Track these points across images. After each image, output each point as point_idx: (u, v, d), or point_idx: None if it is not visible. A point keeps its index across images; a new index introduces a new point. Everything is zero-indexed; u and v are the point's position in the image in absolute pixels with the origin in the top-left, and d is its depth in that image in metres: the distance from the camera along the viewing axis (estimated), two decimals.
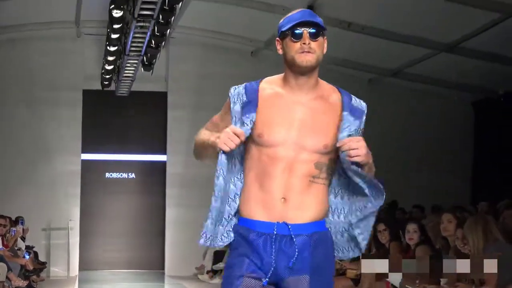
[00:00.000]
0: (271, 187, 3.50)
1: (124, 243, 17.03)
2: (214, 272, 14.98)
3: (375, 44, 13.93)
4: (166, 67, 16.72)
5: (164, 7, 11.14)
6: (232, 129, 3.45)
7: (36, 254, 14.83)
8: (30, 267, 13.05)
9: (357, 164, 3.44)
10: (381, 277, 8.29)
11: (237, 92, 3.60)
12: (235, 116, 3.55)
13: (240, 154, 3.60)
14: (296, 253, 3.48)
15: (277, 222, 3.49)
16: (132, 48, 13.22)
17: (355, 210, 3.57)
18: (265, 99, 3.57)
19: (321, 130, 3.51)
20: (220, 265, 14.66)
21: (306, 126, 3.51)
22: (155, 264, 17.01)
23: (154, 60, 14.09)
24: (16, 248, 13.25)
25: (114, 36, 12.89)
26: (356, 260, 8.71)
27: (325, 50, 3.56)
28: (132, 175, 17.29)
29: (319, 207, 3.55)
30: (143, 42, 12.84)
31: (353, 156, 3.41)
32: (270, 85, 3.61)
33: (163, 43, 13.17)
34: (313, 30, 3.49)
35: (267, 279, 3.49)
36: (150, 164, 17.31)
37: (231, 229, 3.58)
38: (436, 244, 8.57)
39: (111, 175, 17.22)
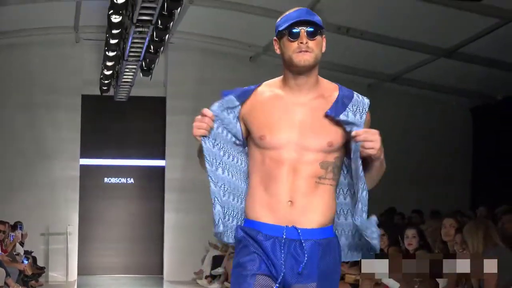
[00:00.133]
0: (277, 190, 3.44)
1: (123, 248, 17.02)
2: (212, 277, 14.97)
3: (374, 49, 13.95)
4: (164, 72, 16.73)
5: (163, 12, 11.15)
6: (200, 113, 3.49)
7: (34, 259, 14.83)
8: (29, 272, 13.05)
9: (363, 162, 3.37)
10: (380, 282, 8.29)
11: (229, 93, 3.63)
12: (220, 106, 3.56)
13: (246, 154, 3.58)
14: (306, 259, 3.41)
15: (286, 226, 3.43)
16: (131, 54, 13.23)
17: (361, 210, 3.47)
18: (264, 102, 3.53)
19: (324, 129, 3.45)
20: (219, 270, 14.66)
21: (307, 126, 3.45)
22: (153, 269, 17.00)
23: (152, 65, 14.11)
24: (14, 253, 13.25)
25: (113, 41, 12.90)
26: (355, 265, 8.72)
27: (324, 49, 3.50)
28: (131, 180, 17.28)
29: (327, 211, 3.49)
30: (141, 48, 12.85)
31: (367, 148, 3.32)
32: (269, 88, 3.57)
33: (161, 49, 13.18)
34: (311, 29, 3.44)
35: (277, 285, 3.42)
36: (148, 169, 17.31)
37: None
38: (435, 249, 8.58)
39: (109, 180, 17.22)
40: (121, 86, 15.60)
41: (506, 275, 6.35)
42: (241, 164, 3.59)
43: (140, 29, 11.87)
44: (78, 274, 16.44)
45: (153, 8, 11.03)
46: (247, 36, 15.32)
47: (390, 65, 15.13)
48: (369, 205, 3.51)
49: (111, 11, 11.47)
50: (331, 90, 3.55)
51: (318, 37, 3.45)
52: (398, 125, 16.18)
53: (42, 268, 15.18)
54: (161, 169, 16.99)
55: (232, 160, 3.57)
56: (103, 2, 12.68)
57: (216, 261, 15.00)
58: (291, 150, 3.44)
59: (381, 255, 9.30)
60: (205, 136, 3.50)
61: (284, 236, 3.42)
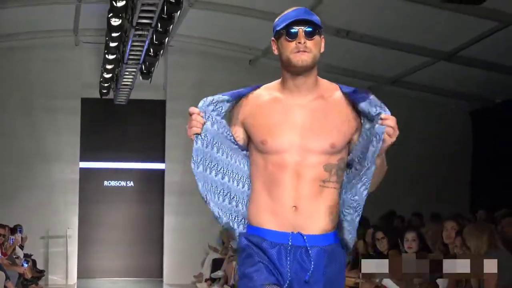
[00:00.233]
0: (281, 195, 3.37)
1: (123, 251, 17.02)
2: (212, 280, 14.97)
3: (374, 52, 13.95)
4: (164, 75, 16.74)
5: (163, 15, 11.16)
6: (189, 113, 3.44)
7: (34, 262, 14.83)
8: (28, 276, 13.06)
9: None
10: (379, 285, 8.28)
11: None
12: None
13: (247, 157, 3.53)
14: (312, 266, 3.35)
15: (292, 232, 3.36)
16: (131, 57, 13.24)
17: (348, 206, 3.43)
18: (263, 105, 3.48)
19: (325, 130, 3.39)
20: (219, 273, 14.65)
21: (308, 128, 3.39)
22: (153, 272, 16.99)
23: (152, 69, 14.11)
24: (14, 256, 13.26)
25: (112, 44, 12.90)
26: (355, 268, 8.71)
27: (322, 50, 3.44)
28: (131, 183, 17.28)
29: (331, 216, 3.41)
30: (141, 51, 12.86)
31: (390, 135, 3.33)
32: (268, 91, 3.51)
33: (161, 52, 13.18)
34: (309, 29, 3.38)
35: None
36: (148, 172, 17.31)
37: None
38: (435, 252, 8.58)
39: (109, 183, 17.21)
40: (120, 89, 15.60)
41: (506, 277, 6.36)
42: (240, 164, 3.53)
43: (140, 32, 11.88)
44: (78, 277, 16.43)
45: (153, 11, 11.03)
46: (246, 39, 15.32)
47: (390, 68, 15.13)
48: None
49: (111, 14, 11.47)
50: (331, 90, 3.50)
51: (316, 37, 3.40)
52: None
53: (42, 271, 15.18)
54: (161, 172, 16.99)
55: (231, 160, 3.51)
56: (103, 5, 12.69)
57: (216, 264, 15.00)
58: (293, 153, 3.37)
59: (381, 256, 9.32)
60: (198, 134, 3.45)
61: (290, 243, 3.35)
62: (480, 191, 15.58)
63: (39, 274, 14.70)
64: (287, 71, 3.44)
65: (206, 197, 3.50)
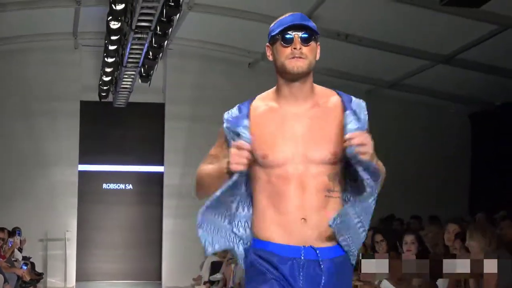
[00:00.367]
0: (287, 208, 3.27)
1: (121, 254, 17.01)
2: (211, 283, 14.96)
3: (373, 55, 13.96)
4: (163, 78, 16.75)
5: (162, 18, 11.16)
6: (234, 146, 3.21)
7: (33, 265, 14.80)
8: (27, 278, 13.04)
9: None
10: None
11: (230, 114, 3.42)
12: (229, 134, 3.36)
13: (245, 177, 3.38)
14: (323, 280, 3.27)
15: (303, 246, 3.27)
16: (130, 60, 13.24)
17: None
18: (260, 117, 3.37)
19: (326, 139, 3.31)
20: (218, 275, 14.64)
21: (309, 138, 3.30)
22: (152, 275, 16.99)
23: (151, 72, 14.11)
24: (13, 259, 13.24)
25: (111, 47, 12.91)
26: (354, 270, 8.69)
27: (318, 57, 3.36)
28: (130, 186, 17.28)
29: None
30: (140, 54, 12.86)
31: (362, 153, 3.15)
32: (263, 102, 3.41)
33: (160, 55, 13.18)
34: (305, 35, 3.29)
35: None
36: (147, 175, 17.32)
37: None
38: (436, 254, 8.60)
39: (108, 186, 17.22)
40: (120, 92, 15.61)
41: (506, 279, 6.36)
42: (240, 187, 3.40)
43: (139, 35, 11.88)
44: (77, 280, 16.43)
45: (152, 15, 11.04)
46: (246, 43, 15.33)
47: (389, 71, 15.15)
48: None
49: (110, 17, 11.48)
50: (326, 96, 3.42)
51: (312, 43, 3.31)
52: (396, 131, 16.20)
53: (41, 274, 15.16)
54: (160, 175, 16.99)
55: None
56: (102, 8, 12.70)
57: (215, 267, 14.98)
58: (296, 164, 3.28)
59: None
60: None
61: (303, 257, 3.26)
62: (479, 193, 15.60)
63: (37, 277, 14.68)
64: (282, 77, 3.36)
65: (201, 222, 3.37)
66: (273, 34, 3.35)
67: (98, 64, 15.49)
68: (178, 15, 11.26)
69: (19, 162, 16.16)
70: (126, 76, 14.30)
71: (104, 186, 17.18)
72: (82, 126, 16.62)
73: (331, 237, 3.30)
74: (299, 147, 3.30)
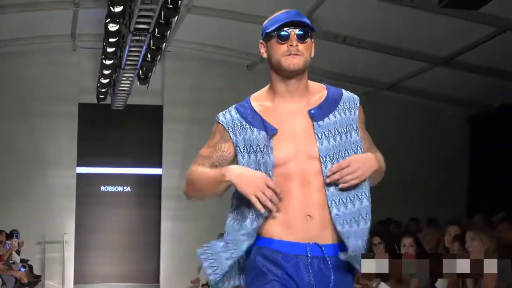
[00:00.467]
0: (292, 205, 3.23)
1: (119, 256, 17.00)
2: (209, 286, 14.95)
3: (371, 57, 13.96)
4: (161, 80, 16.75)
5: (160, 21, 11.16)
6: (264, 183, 3.17)
7: (31, 267, 14.78)
8: (25, 281, 13.02)
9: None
10: None
11: (229, 119, 3.37)
12: (239, 146, 3.32)
13: None
14: (332, 276, 3.23)
15: (308, 243, 3.23)
16: (128, 62, 13.24)
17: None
18: None
19: None
20: None
21: (308, 134, 3.28)
22: (150, 277, 16.98)
23: (149, 74, 14.11)
24: (11, 261, 13.22)
25: (110, 49, 12.90)
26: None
27: (312, 54, 3.32)
28: (128, 189, 17.27)
29: None
30: (139, 56, 12.86)
31: (351, 180, 3.20)
32: (258, 102, 3.39)
33: (158, 57, 13.19)
34: (301, 32, 3.27)
35: None
36: (145, 177, 17.31)
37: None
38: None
39: (106, 188, 17.20)
40: (118, 95, 15.61)
41: (505, 281, 6.36)
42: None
43: (137, 38, 11.88)
44: (75, 282, 16.41)
45: (150, 17, 11.03)
46: (244, 45, 15.33)
47: (387, 73, 15.15)
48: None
49: (108, 19, 11.48)
50: (319, 91, 3.41)
51: (308, 40, 3.29)
52: (394, 133, 16.18)
53: (38, 277, 15.14)
54: (158, 177, 16.98)
55: None
56: (100, 10, 12.70)
57: None
58: (298, 162, 3.26)
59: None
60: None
61: (309, 255, 3.22)
62: (477, 195, 15.58)
63: (35, 279, 14.65)
64: (278, 74, 3.35)
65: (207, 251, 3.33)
66: (268, 31, 3.34)
67: (96, 66, 15.49)
68: (176, 17, 11.27)
69: (17, 164, 16.15)
70: (124, 78, 14.30)
71: (102, 188, 17.17)
72: (80, 128, 16.61)
73: (335, 234, 3.27)
74: (299, 145, 3.28)
